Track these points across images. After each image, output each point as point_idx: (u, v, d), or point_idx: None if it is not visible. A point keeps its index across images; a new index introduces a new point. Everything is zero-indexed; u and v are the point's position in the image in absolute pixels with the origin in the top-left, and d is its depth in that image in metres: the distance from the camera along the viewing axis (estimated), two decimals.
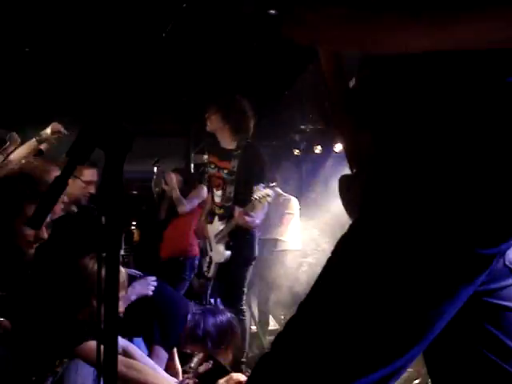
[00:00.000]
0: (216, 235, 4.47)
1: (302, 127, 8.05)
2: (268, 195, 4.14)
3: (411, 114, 1.12)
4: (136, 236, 8.14)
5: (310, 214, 6.44)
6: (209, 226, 4.58)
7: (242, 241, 4.39)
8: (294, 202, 6.30)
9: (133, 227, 8.27)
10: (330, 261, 1.17)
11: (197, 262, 5.63)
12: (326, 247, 5.81)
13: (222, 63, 6.20)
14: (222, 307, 4.12)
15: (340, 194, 1.35)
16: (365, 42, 1.10)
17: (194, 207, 5.65)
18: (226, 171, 4.35)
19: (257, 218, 4.28)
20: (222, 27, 5.23)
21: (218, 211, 4.49)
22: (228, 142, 4.32)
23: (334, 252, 1.17)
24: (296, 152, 8.50)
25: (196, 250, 5.64)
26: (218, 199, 4.50)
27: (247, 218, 4.19)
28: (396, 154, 1.13)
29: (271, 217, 5.60)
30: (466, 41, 1.01)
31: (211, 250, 4.59)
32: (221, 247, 4.42)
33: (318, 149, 7.86)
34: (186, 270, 5.56)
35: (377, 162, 1.16)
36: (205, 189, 5.30)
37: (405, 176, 1.10)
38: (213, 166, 4.49)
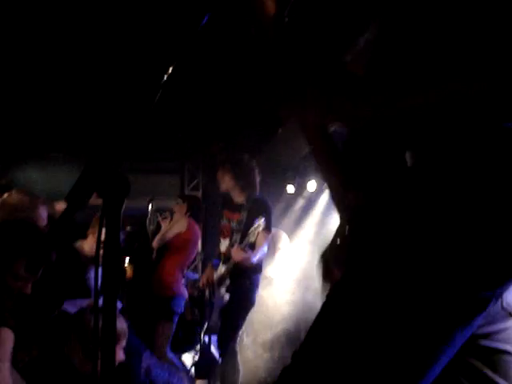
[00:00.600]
0: (218, 279, 4.68)
1: (296, 164, 8.10)
2: (259, 225, 4.55)
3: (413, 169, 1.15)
4: (129, 272, 8.10)
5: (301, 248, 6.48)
6: (215, 273, 4.84)
7: (243, 287, 4.57)
8: (283, 236, 6.32)
9: (126, 263, 8.24)
10: (327, 305, 1.18)
11: (183, 302, 5.64)
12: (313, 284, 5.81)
13: (217, 101, 6.27)
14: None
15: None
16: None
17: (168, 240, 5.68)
18: (235, 222, 4.80)
19: (253, 255, 4.45)
20: (216, 67, 5.33)
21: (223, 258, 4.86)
22: (238, 197, 4.86)
23: (331, 296, 1.18)
24: (290, 189, 8.52)
25: (182, 290, 5.66)
26: (223, 248, 4.90)
27: (243, 254, 4.40)
28: (398, 201, 1.15)
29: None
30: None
31: (214, 296, 4.78)
32: (222, 289, 4.62)
33: (311, 185, 7.89)
34: (172, 309, 5.54)
35: (370, 212, 1.19)
36: (184, 222, 5.54)
37: (407, 221, 1.12)
38: (225, 219, 4.97)
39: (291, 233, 6.90)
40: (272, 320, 5.86)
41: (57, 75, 5.88)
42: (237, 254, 4.60)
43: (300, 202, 8.61)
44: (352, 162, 1.31)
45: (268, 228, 4.71)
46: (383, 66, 1.17)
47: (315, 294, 5.01)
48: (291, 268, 6.26)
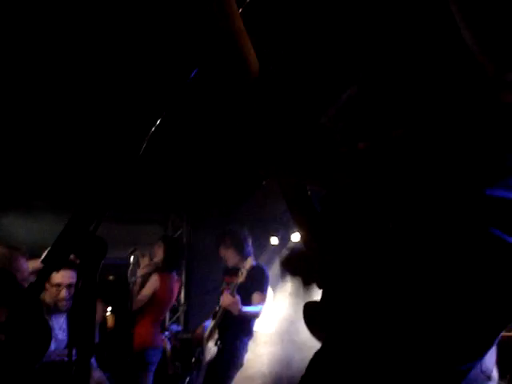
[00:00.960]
0: (207, 333, 4.79)
1: (280, 215, 8.13)
2: (249, 263, 5.04)
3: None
4: (110, 322, 8.01)
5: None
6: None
7: (232, 347, 4.65)
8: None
9: (108, 313, 8.16)
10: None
11: (158, 352, 5.73)
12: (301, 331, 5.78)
13: (201, 152, 6.33)
14: None
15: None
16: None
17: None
18: (233, 284, 5.04)
19: (243, 305, 4.61)
20: (201, 120, 5.40)
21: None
22: (237, 263, 5.26)
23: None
24: (274, 240, 8.52)
25: (157, 341, 5.72)
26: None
27: (232, 299, 4.54)
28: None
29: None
30: None
31: (203, 354, 4.90)
32: (211, 343, 4.71)
33: (295, 237, 7.90)
34: (146, 360, 5.58)
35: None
36: (156, 280, 5.70)
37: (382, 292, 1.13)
38: (224, 283, 5.26)
39: (275, 285, 6.86)
40: (254, 374, 5.79)
41: (43, 123, 5.92)
42: (225, 299, 4.78)
43: (284, 254, 8.58)
44: (327, 221, 1.32)
45: (264, 292, 5.10)
46: (362, 129, 1.19)
47: (298, 348, 4.98)
48: (274, 320, 6.22)
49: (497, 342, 1.15)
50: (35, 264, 4.07)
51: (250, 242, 5.44)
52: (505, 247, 1.09)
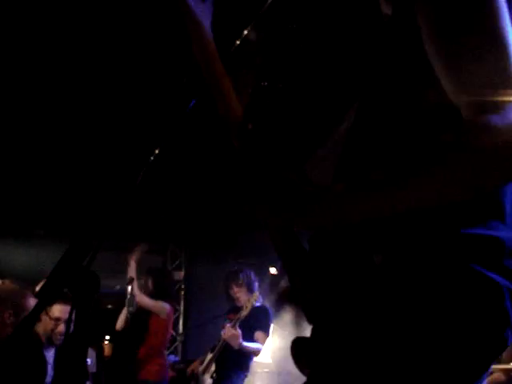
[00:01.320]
0: (204, 365, 4.81)
1: None
2: (255, 297, 5.18)
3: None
4: (107, 351, 7.98)
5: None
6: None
7: (227, 380, 4.70)
8: None
9: (106, 341, 8.14)
10: None
11: None
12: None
13: (201, 183, 6.38)
14: None
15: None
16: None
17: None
18: (236, 317, 5.12)
19: (243, 339, 4.63)
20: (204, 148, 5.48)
21: None
22: (243, 301, 5.35)
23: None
24: (273, 270, 8.51)
25: (165, 375, 5.69)
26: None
27: (233, 331, 4.56)
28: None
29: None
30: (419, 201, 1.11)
31: None
32: (206, 375, 4.73)
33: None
34: None
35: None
36: (165, 309, 5.72)
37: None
38: (227, 320, 5.28)
39: (273, 315, 6.86)
40: None
41: (44, 153, 5.99)
42: (227, 331, 4.82)
43: (283, 283, 8.57)
44: (314, 260, 1.36)
45: (266, 333, 5.12)
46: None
47: (295, 379, 4.96)
48: (271, 350, 6.21)
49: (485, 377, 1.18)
50: None
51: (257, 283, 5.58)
52: (484, 281, 1.13)
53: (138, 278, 5.92)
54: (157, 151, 1.44)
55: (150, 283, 5.89)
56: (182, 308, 8.56)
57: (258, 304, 5.27)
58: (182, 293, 8.60)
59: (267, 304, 5.44)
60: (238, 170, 1.18)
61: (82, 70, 4.76)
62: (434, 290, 1.13)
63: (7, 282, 3.79)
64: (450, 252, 1.15)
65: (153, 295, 5.80)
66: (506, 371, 4.37)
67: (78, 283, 1.28)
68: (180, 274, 8.55)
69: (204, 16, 1.35)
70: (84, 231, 1.33)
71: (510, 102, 1.05)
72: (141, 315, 5.79)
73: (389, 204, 1.11)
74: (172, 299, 6.15)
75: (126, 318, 5.85)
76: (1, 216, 7.09)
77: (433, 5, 1.13)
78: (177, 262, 8.83)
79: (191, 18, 1.45)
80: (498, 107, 1.05)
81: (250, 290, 5.39)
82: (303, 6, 1.40)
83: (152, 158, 1.43)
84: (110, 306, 9.60)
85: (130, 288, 5.84)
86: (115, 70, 4.76)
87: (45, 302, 1.29)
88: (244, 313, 5.01)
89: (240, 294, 5.38)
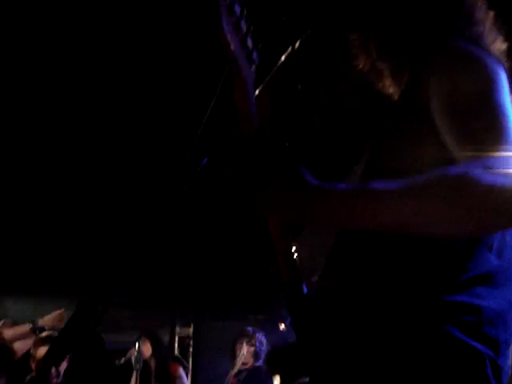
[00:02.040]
0: None
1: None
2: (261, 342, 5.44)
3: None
4: None
5: None
6: None
7: None
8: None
9: None
10: None
11: None
12: None
13: (209, 239, 6.43)
14: None
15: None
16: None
17: None
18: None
19: None
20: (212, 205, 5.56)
21: None
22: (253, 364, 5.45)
23: None
24: (282, 326, 8.46)
25: None
26: None
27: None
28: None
29: None
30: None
31: None
32: None
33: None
34: None
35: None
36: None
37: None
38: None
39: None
40: None
41: (50, 207, 6.09)
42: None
43: (268, 351, 8.56)
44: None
45: None
46: None
47: None
48: None
49: None
50: (19, 329, 4.21)
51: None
52: (466, 349, 1.19)
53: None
54: (167, 210, 1.48)
55: (148, 346, 5.87)
56: (190, 364, 8.48)
57: (260, 363, 5.35)
58: (191, 349, 8.55)
59: None
60: (243, 164, 1.22)
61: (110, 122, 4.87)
62: (417, 356, 1.19)
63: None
64: (433, 319, 1.21)
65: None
66: None
67: (84, 346, 1.31)
68: (189, 330, 8.50)
69: (250, 81, 1.35)
70: (91, 295, 1.37)
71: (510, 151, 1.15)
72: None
73: (380, 214, 1.14)
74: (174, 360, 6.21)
75: (136, 378, 5.83)
76: (2, 271, 7.16)
77: (446, 91, 1.29)
78: (185, 318, 8.79)
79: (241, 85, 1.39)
80: (500, 155, 1.14)
81: (257, 355, 5.45)
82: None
83: (162, 215, 1.47)
84: (117, 362, 9.52)
85: (137, 345, 5.82)
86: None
87: (51, 365, 1.32)
88: (239, 362, 5.22)
89: (248, 354, 5.44)
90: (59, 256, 6.88)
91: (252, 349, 5.45)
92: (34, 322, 4.50)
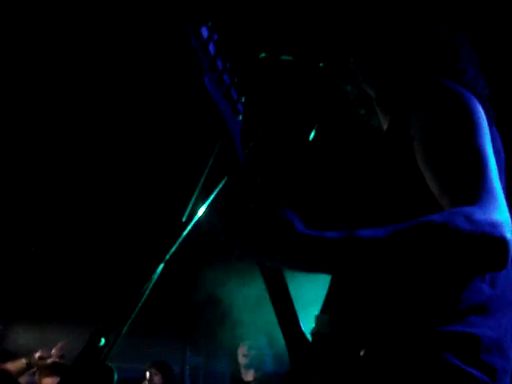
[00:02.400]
0: None
1: None
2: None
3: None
4: None
5: None
6: None
7: None
8: None
9: None
10: None
11: None
12: None
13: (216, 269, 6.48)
14: None
15: None
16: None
17: None
18: None
19: None
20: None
21: None
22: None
23: None
24: None
25: None
26: None
27: None
28: None
29: None
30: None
31: None
32: None
33: None
34: None
35: None
36: None
37: None
38: None
39: None
40: None
41: (59, 237, 6.17)
42: None
43: None
44: None
45: None
46: None
47: None
48: None
49: None
50: (17, 364, 4.30)
51: None
52: (462, 375, 1.25)
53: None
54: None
55: (158, 378, 5.89)
56: None
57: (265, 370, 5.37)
58: (201, 379, 8.52)
59: None
60: (234, 209, 1.28)
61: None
62: (409, 375, 1.25)
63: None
64: (432, 348, 1.26)
65: None
66: None
67: (95, 377, 1.39)
68: (200, 361, 8.48)
69: (236, 133, 1.38)
70: (102, 326, 1.44)
71: (487, 200, 1.23)
72: None
73: (366, 256, 1.21)
74: None
75: None
76: (8, 299, 7.19)
77: (424, 132, 1.37)
78: (196, 348, 8.76)
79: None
80: (479, 203, 1.22)
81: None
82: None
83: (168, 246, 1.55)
84: None
85: (148, 375, 5.85)
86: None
87: None
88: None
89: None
90: (71, 285, 6.93)
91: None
92: (29, 357, 4.57)
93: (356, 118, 1.80)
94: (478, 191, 1.24)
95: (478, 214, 1.19)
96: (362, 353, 1.31)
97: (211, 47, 1.26)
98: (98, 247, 6.25)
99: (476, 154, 1.29)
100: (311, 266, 1.24)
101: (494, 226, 1.18)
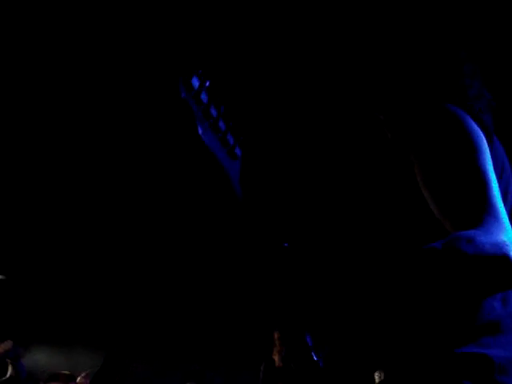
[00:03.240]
0: None
1: None
2: None
3: None
4: None
5: None
6: None
7: None
8: None
9: None
10: None
11: None
12: None
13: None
14: None
15: None
16: None
17: None
18: None
19: None
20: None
21: None
22: None
23: None
24: None
25: None
26: None
27: None
28: None
29: None
30: None
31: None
32: None
33: None
34: None
35: None
36: None
37: None
38: None
39: None
40: None
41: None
42: None
43: None
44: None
45: None
46: None
47: None
48: None
49: None
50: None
51: None
52: None
53: None
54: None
55: None
56: None
57: None
58: None
59: None
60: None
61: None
62: None
63: None
64: (446, 371, 1.26)
65: None
66: None
67: None
68: None
69: (234, 175, 1.39)
70: (118, 349, 1.45)
71: (489, 222, 1.24)
72: None
73: None
74: None
75: None
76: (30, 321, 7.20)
77: (424, 155, 1.38)
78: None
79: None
80: (481, 226, 1.24)
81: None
82: None
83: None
84: None
85: None
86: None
87: None
88: None
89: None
90: (93, 307, 6.96)
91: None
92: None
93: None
94: (479, 213, 1.26)
95: (480, 237, 1.21)
96: (377, 375, 1.33)
97: (203, 96, 1.26)
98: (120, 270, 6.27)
99: (477, 175, 1.31)
100: None
101: (498, 246, 1.20)
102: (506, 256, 1.19)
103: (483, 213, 1.26)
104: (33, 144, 4.81)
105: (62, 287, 6.77)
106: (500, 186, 1.35)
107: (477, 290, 1.26)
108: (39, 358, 7.66)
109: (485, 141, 1.39)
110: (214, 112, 1.31)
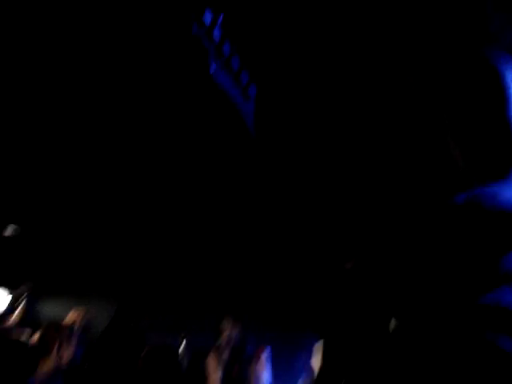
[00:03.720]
0: None
1: None
2: None
3: None
4: None
5: None
6: None
7: None
8: None
9: None
10: None
11: None
12: None
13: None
14: None
15: None
16: None
17: None
18: None
19: None
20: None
21: None
22: None
23: None
24: None
25: None
26: None
27: None
28: None
29: None
30: None
31: None
32: None
33: None
34: None
35: None
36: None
37: None
38: None
39: None
40: None
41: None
42: None
43: None
44: None
45: None
46: None
47: None
48: None
49: None
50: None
51: None
52: (498, 352, 1.21)
53: None
54: None
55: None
56: None
57: None
58: None
59: None
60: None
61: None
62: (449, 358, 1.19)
63: None
64: (468, 322, 1.22)
65: None
66: None
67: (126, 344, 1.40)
68: None
69: (247, 116, 1.34)
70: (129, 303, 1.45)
71: None
72: None
73: None
74: None
75: None
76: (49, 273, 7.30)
77: (454, 110, 1.33)
78: None
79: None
80: (506, 179, 1.23)
81: None
82: None
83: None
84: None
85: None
86: None
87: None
88: None
89: None
90: (97, 258, 7.04)
91: None
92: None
93: None
94: (506, 166, 1.24)
95: (505, 191, 1.19)
96: (392, 324, 1.29)
97: (216, 32, 1.20)
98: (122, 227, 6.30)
99: (506, 129, 1.29)
100: None
101: None
102: None
103: (510, 166, 1.24)
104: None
105: (77, 239, 6.82)
106: None
107: (498, 245, 1.23)
108: (48, 309, 7.79)
109: None
110: (227, 49, 1.25)
